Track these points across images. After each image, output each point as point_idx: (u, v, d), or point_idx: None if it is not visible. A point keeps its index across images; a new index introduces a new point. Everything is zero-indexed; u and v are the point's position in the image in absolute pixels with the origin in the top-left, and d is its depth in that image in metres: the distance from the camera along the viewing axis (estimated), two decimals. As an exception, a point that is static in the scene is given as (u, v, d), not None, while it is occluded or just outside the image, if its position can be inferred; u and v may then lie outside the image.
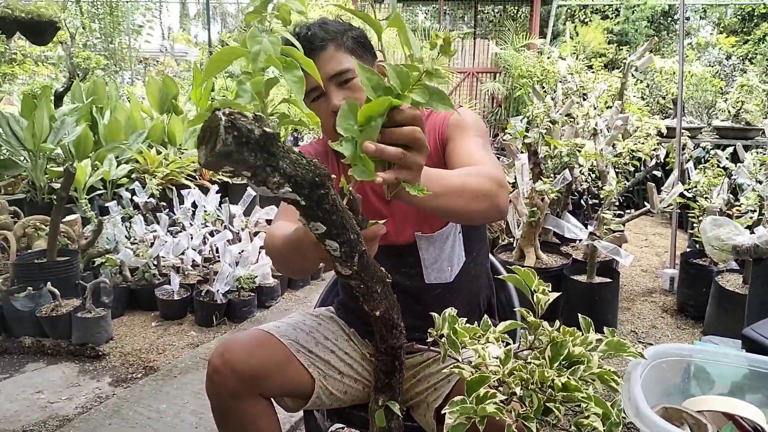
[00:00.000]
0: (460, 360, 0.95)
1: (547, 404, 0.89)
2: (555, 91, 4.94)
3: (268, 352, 1.44)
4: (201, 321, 3.04)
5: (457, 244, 1.46)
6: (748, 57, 8.48)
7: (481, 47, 8.81)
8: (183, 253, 3.49)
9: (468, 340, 0.95)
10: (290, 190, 0.75)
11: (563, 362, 0.95)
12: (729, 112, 5.84)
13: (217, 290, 3.03)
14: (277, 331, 1.51)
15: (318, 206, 0.80)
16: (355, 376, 1.55)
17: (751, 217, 3.34)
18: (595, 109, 3.58)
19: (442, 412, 0.80)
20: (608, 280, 3.05)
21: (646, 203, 3.56)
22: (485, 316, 1.14)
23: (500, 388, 0.90)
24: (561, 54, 6.04)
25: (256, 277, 3.23)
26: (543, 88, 4.91)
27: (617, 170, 3.40)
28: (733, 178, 4.03)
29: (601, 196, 3.11)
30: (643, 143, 3.38)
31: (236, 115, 0.70)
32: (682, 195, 3.55)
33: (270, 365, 1.43)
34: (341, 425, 2.07)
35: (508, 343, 0.96)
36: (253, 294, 3.16)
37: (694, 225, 3.59)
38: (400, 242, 1.44)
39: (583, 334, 1.00)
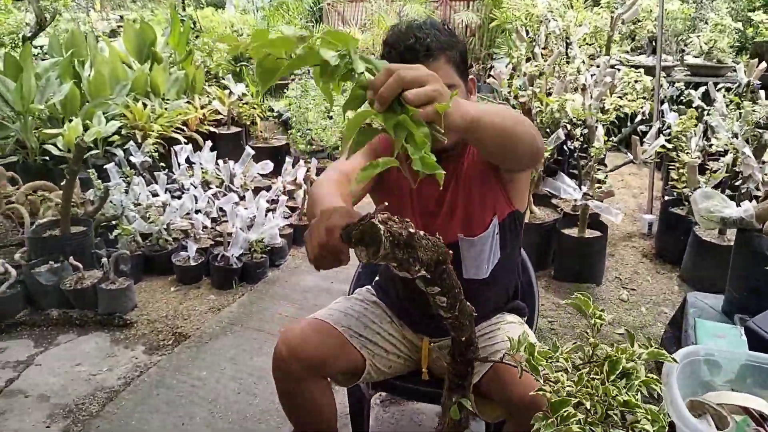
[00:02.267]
0: (541, 381, 1.14)
1: (608, 412, 1.10)
2: (537, 35, 5.02)
3: (326, 339, 1.63)
4: (218, 284, 3.19)
5: (495, 244, 1.63)
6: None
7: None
8: (188, 214, 3.59)
9: (545, 362, 1.14)
10: (425, 273, 0.91)
11: (618, 375, 1.16)
12: (701, 48, 6.01)
13: (232, 254, 3.17)
14: (331, 318, 1.69)
15: (439, 277, 0.95)
16: (398, 352, 1.76)
17: (724, 166, 3.59)
18: (584, 63, 3.71)
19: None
20: (598, 233, 3.29)
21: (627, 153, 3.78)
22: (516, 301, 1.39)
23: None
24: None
25: (264, 238, 3.37)
26: (527, 31, 4.98)
27: (603, 125, 3.57)
28: (705, 119, 4.26)
29: (591, 154, 3.30)
30: (630, 100, 3.54)
31: (390, 222, 0.84)
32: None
33: (329, 351, 1.62)
34: (383, 392, 2.31)
35: (575, 364, 1.15)
36: (265, 256, 3.31)
37: (670, 170, 3.83)
38: (444, 241, 1.61)
39: (630, 348, 1.20)
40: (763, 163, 3.47)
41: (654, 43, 6.17)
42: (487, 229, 1.58)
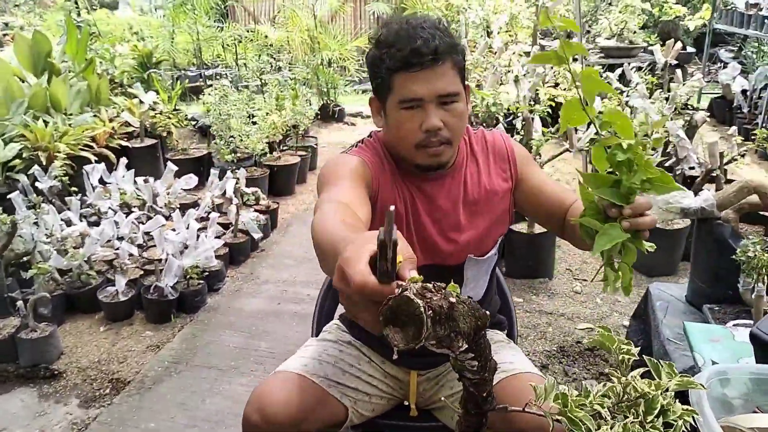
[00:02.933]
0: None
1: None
2: (458, 25, 4.96)
3: (303, 395, 1.46)
4: (153, 319, 2.91)
5: (493, 262, 1.56)
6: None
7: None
8: (109, 242, 3.27)
9: (581, 414, 1.02)
10: (466, 345, 0.75)
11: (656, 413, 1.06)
12: (611, 30, 6.16)
13: (166, 284, 2.89)
14: (306, 370, 1.52)
15: (476, 344, 0.80)
16: (381, 393, 1.62)
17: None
18: (515, 54, 3.66)
19: None
20: (546, 229, 3.25)
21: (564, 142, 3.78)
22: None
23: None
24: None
25: (200, 263, 3.10)
26: (447, 23, 4.90)
27: (540, 116, 3.53)
28: (626, 99, 4.34)
29: (532, 146, 3.25)
30: (564, 89, 3.52)
31: (428, 294, 0.68)
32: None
33: (306, 408, 1.45)
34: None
35: (613, 412, 1.04)
36: (202, 281, 3.05)
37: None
38: (450, 263, 1.49)
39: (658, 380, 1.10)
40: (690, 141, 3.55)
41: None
42: (494, 248, 1.52)
